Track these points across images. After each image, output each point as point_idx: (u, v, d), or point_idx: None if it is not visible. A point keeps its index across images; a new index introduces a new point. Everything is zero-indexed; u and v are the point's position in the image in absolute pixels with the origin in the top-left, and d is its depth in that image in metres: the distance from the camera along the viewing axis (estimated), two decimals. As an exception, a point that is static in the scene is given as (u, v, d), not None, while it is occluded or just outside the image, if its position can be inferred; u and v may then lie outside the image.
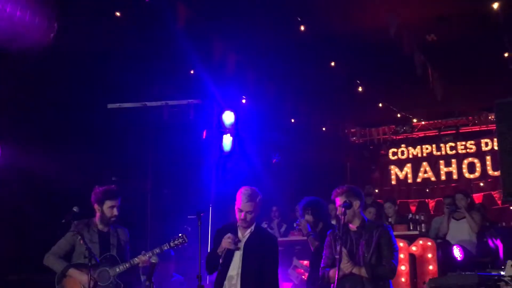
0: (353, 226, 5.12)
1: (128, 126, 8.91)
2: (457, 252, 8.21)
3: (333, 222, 9.73)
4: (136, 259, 5.65)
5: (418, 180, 13.99)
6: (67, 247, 5.70)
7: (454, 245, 8.44)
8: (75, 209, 5.42)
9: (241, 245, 5.02)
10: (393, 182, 14.26)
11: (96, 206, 5.83)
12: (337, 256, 4.86)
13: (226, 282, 4.96)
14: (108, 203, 5.78)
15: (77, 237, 5.50)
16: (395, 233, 7.75)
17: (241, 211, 5.03)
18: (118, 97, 8.93)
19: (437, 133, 13.99)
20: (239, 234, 5.09)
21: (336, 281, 4.72)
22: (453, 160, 13.65)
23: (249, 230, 5.09)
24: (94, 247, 5.63)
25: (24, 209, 7.98)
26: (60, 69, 7.99)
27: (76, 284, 5.50)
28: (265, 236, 5.14)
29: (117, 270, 5.64)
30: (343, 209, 4.95)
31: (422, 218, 8.82)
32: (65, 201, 6.09)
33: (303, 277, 8.19)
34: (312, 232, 6.06)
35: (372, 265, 4.93)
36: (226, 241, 4.93)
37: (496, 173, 12.70)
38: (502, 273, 5.29)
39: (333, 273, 4.97)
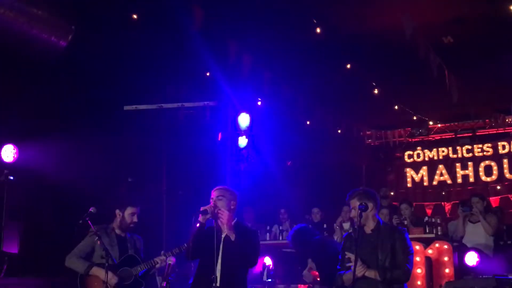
0: (368, 229, 5.11)
1: (144, 128, 8.96)
2: (471, 258, 8.13)
3: (346, 225, 9.74)
4: (156, 259, 5.75)
5: (434, 183, 13.89)
6: (87, 248, 5.81)
7: (469, 250, 8.37)
8: (92, 210, 5.49)
9: (222, 239, 5.03)
10: (409, 185, 14.18)
11: (117, 211, 5.97)
12: (350, 263, 4.85)
13: (206, 276, 4.96)
14: (129, 210, 5.97)
15: (95, 239, 5.57)
16: (411, 236, 7.74)
17: (212, 199, 5.07)
18: (134, 99, 8.97)
19: (453, 136, 13.90)
20: (221, 233, 5.08)
21: (351, 284, 4.73)
22: (470, 163, 13.55)
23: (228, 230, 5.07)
24: (114, 250, 5.78)
25: (40, 210, 8.05)
26: (77, 71, 8.06)
27: (99, 283, 5.58)
28: (244, 230, 5.11)
29: (139, 269, 5.80)
30: (359, 211, 4.94)
31: (438, 221, 8.77)
32: (82, 202, 6.15)
33: (318, 279, 8.18)
34: None
35: (386, 268, 4.91)
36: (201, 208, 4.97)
37: (514, 176, 12.61)
38: (519, 277, 5.26)
39: (346, 276, 4.98)
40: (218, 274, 4.93)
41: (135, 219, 5.98)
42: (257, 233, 5.31)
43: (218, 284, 4.87)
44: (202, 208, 4.92)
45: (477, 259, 8.11)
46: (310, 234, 6.60)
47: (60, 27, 7.13)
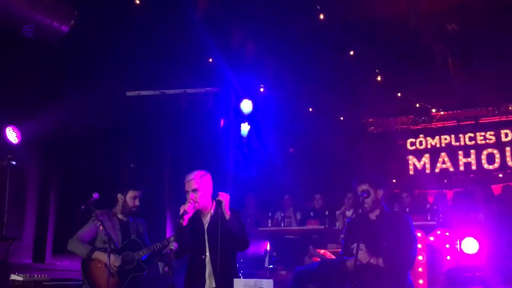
0: (372, 215, 5.10)
1: (146, 113, 8.95)
2: (469, 245, 8.13)
3: (349, 212, 9.76)
4: (159, 243, 5.76)
5: (436, 170, 13.88)
6: (90, 233, 5.84)
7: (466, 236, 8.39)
8: (94, 195, 5.50)
9: (205, 229, 5.02)
10: (411, 173, 14.17)
11: (119, 195, 5.98)
12: (353, 247, 4.86)
13: (197, 266, 5.00)
14: (131, 193, 5.96)
15: (98, 223, 5.59)
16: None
17: (187, 192, 4.99)
18: (136, 85, 8.97)
19: (456, 124, 13.86)
20: (203, 221, 5.08)
21: (353, 271, 4.74)
22: (472, 151, 13.52)
23: (209, 215, 5.07)
24: (116, 234, 5.81)
25: (43, 195, 8.07)
26: (79, 57, 8.04)
27: (102, 267, 5.61)
28: (223, 216, 4.98)
29: (141, 253, 5.82)
30: (361, 198, 4.94)
31: (440, 208, 8.79)
32: (84, 188, 6.17)
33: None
34: None
35: (391, 256, 4.91)
36: (182, 206, 4.90)
37: (516, 164, 12.60)
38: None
39: (350, 262, 4.97)
40: (208, 262, 4.95)
41: (137, 202, 5.98)
42: (240, 213, 5.23)
43: (210, 272, 4.92)
44: (181, 210, 4.85)
45: (478, 247, 8.11)
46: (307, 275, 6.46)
47: (62, 12, 7.09)
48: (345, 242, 5.23)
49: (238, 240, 5.04)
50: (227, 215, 4.92)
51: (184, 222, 4.85)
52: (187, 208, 4.84)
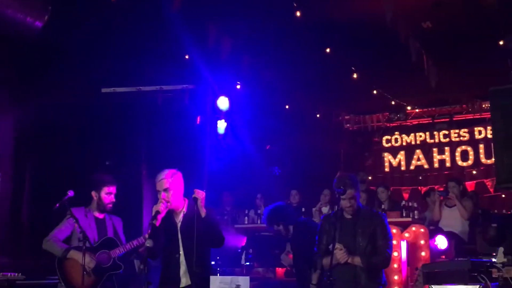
0: (347, 214, 5.13)
1: (122, 110, 8.88)
2: (441, 242, 8.26)
3: (325, 209, 9.80)
4: (135, 241, 5.73)
5: (411, 167, 14.04)
6: (65, 231, 5.79)
7: (438, 234, 8.50)
8: (69, 193, 5.45)
9: (178, 228, 5.04)
10: (386, 169, 14.31)
11: (93, 193, 5.92)
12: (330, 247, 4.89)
13: (171, 265, 5.00)
14: (106, 189, 5.91)
15: (73, 221, 5.54)
16: (388, 219, 7.81)
17: (158, 192, 4.99)
18: (112, 81, 8.88)
19: (431, 121, 14.02)
20: (175, 219, 5.08)
21: (329, 269, 4.75)
22: (447, 148, 13.70)
23: (182, 213, 5.07)
24: (92, 232, 5.78)
25: (17, 193, 7.97)
26: (54, 53, 7.94)
27: (77, 266, 5.54)
28: (198, 213, 4.99)
29: (117, 251, 5.78)
30: (337, 195, 4.97)
31: (415, 205, 8.87)
32: (59, 186, 6.10)
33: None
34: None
35: (368, 255, 4.95)
36: (154, 207, 4.90)
37: (489, 161, 12.77)
38: (494, 259, 5.33)
39: (326, 260, 4.99)
40: (182, 261, 4.96)
41: (112, 198, 5.92)
42: (213, 210, 5.25)
43: (184, 271, 4.93)
44: (153, 211, 4.83)
45: (447, 243, 8.23)
46: (290, 214, 6.39)
47: (36, 7, 7.00)
48: (319, 239, 5.25)
49: (213, 237, 5.03)
50: (203, 212, 4.91)
51: (157, 222, 4.82)
52: (160, 208, 4.82)
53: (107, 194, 5.91)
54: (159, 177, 5.02)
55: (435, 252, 8.17)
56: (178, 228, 5.05)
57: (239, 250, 8.81)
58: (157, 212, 4.81)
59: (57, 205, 5.44)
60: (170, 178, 5.01)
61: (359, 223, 5.09)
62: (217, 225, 5.11)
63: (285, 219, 6.19)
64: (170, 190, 4.97)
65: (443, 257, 8.07)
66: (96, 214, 5.95)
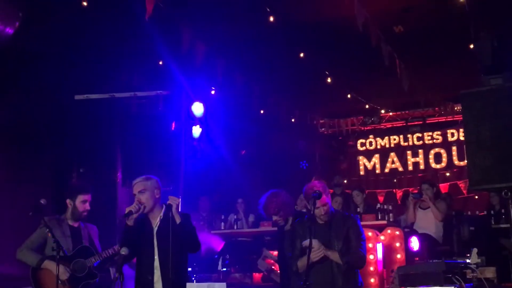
0: (320, 219, 5.16)
1: (96, 117, 8.80)
2: (414, 243, 8.36)
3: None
4: (111, 249, 5.69)
5: (386, 170, 14.16)
6: (39, 240, 5.70)
7: (412, 236, 8.60)
8: (42, 201, 5.39)
9: (154, 232, 5.01)
10: (362, 173, 14.41)
11: (68, 201, 5.86)
12: (304, 244, 4.90)
13: (146, 270, 4.97)
14: (80, 197, 5.85)
15: (47, 230, 5.47)
16: (363, 222, 7.87)
17: (135, 195, 4.99)
18: (85, 88, 8.80)
19: (404, 124, 14.16)
20: (152, 224, 5.06)
21: (305, 271, 4.76)
22: (420, 151, 13.86)
23: (158, 218, 5.04)
24: (67, 241, 5.69)
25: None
26: (26, 59, 7.85)
27: (52, 276, 5.47)
28: (173, 220, 4.98)
29: (93, 260, 5.73)
30: (313, 199, 4.98)
31: (390, 207, 8.94)
32: (32, 194, 6.03)
33: (273, 267, 8.23)
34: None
35: (343, 254, 5.00)
36: (128, 207, 4.90)
37: (462, 163, 12.94)
38: (468, 260, 5.39)
39: (301, 262, 5.01)
40: (157, 266, 4.92)
41: (87, 206, 5.87)
42: (190, 216, 5.20)
43: (158, 276, 4.89)
44: (127, 210, 4.84)
45: (419, 244, 8.33)
46: (288, 203, 5.88)
47: (6, 14, 6.91)
48: (293, 244, 5.26)
49: (188, 243, 5.03)
50: (178, 218, 4.90)
51: (130, 223, 4.83)
52: (132, 209, 4.82)
53: (82, 202, 5.85)
54: (135, 181, 5.04)
55: (409, 254, 8.25)
56: (154, 232, 5.02)
57: (216, 256, 8.78)
58: (130, 212, 4.81)
59: (30, 213, 5.37)
60: (145, 181, 5.02)
61: (333, 227, 5.13)
62: (193, 231, 5.09)
63: (283, 208, 5.73)
64: (145, 192, 4.96)
65: (417, 259, 8.15)
66: (71, 222, 5.89)
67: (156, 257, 4.95)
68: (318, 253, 4.92)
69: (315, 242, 4.90)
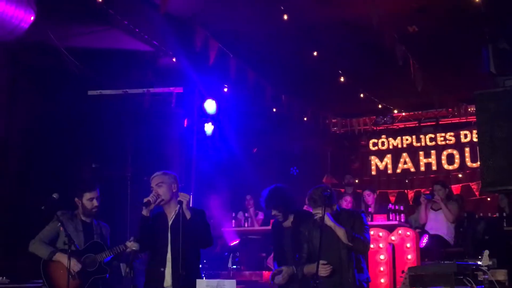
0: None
1: (108, 113, 8.84)
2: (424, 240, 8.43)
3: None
4: (122, 246, 5.71)
5: (398, 171, 14.10)
6: (52, 234, 5.76)
7: (423, 235, 8.62)
8: (54, 195, 5.41)
9: (169, 226, 5.08)
10: (373, 173, 14.35)
11: (76, 199, 5.90)
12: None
13: (159, 265, 5.02)
14: (87, 195, 5.88)
15: (59, 224, 5.52)
16: (374, 222, 7.86)
17: (152, 188, 5.07)
18: (99, 84, 8.84)
19: (417, 124, 14.10)
20: (167, 218, 5.13)
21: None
22: (433, 151, 13.78)
23: (174, 213, 5.09)
24: (79, 236, 5.74)
25: (2, 195, 7.90)
26: (40, 54, 7.89)
27: (63, 269, 5.51)
28: (193, 211, 5.03)
29: (104, 255, 5.76)
30: (325, 198, 4.99)
31: (402, 208, 8.92)
32: (45, 188, 6.06)
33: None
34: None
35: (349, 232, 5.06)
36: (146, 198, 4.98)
37: (475, 165, 12.85)
38: (479, 262, 5.36)
39: (307, 269, 5.12)
40: (169, 259, 4.97)
41: (95, 203, 5.89)
42: (205, 212, 5.29)
43: (170, 269, 4.94)
44: (145, 200, 4.92)
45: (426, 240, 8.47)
46: (290, 199, 5.78)
47: (21, 8, 6.94)
48: (297, 245, 5.29)
49: (200, 239, 5.07)
50: (188, 214, 4.93)
51: (146, 213, 4.92)
52: (150, 198, 4.93)
53: (89, 200, 5.88)
54: (154, 175, 5.16)
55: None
56: (169, 226, 5.08)
57: (226, 254, 8.80)
58: (148, 202, 4.91)
59: (42, 207, 5.40)
60: (163, 175, 5.14)
61: (339, 223, 5.15)
62: (205, 227, 5.13)
63: (284, 203, 5.62)
64: (163, 186, 5.05)
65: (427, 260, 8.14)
66: (83, 218, 5.93)
67: (169, 249, 5.01)
68: (327, 269, 4.94)
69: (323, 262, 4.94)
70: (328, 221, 5.02)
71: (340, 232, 5.05)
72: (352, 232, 5.06)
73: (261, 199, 5.80)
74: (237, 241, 9.07)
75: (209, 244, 5.22)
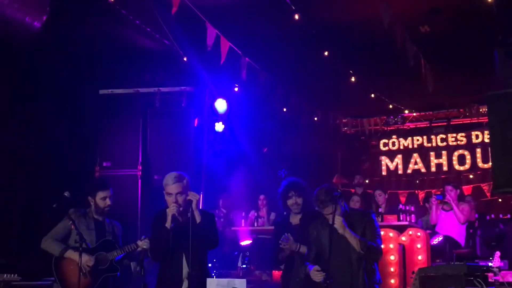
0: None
1: (119, 112, 8.87)
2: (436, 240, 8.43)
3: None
4: (133, 244, 5.73)
5: (408, 171, 14.06)
6: (64, 231, 5.80)
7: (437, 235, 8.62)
8: (66, 194, 5.47)
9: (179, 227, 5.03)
10: (384, 173, 14.33)
11: (89, 198, 5.94)
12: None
13: (174, 267, 5.02)
14: (100, 194, 5.91)
15: (70, 222, 5.55)
16: (385, 223, 7.83)
17: (170, 195, 5.00)
18: (110, 82, 8.88)
19: (428, 125, 14.06)
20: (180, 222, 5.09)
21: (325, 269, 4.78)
22: (444, 152, 13.73)
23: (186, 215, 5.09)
24: (91, 234, 5.77)
25: (15, 193, 7.95)
26: (52, 54, 7.93)
27: (74, 266, 5.55)
28: (203, 213, 5.04)
29: (115, 254, 5.79)
30: (337, 197, 4.96)
31: (412, 208, 8.89)
32: (57, 187, 6.10)
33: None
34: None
35: (362, 240, 4.99)
36: (170, 210, 4.95)
37: (486, 166, 12.80)
38: (490, 264, 5.35)
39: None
40: (183, 262, 4.97)
41: (108, 202, 5.93)
42: (214, 216, 5.33)
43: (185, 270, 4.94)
44: (171, 213, 4.89)
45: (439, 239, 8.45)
46: (307, 191, 5.78)
47: (34, 8, 6.99)
48: (310, 248, 5.25)
49: (207, 242, 5.09)
50: (198, 217, 4.94)
51: (170, 225, 4.90)
52: (175, 212, 4.90)
53: (102, 199, 5.92)
54: (172, 180, 5.02)
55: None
56: (179, 228, 5.07)
57: (236, 253, 8.81)
58: (174, 216, 4.88)
59: (54, 205, 5.44)
60: (183, 182, 5.05)
61: (349, 226, 5.08)
62: (212, 231, 5.15)
63: (307, 196, 5.62)
64: (183, 194, 5.01)
65: (438, 260, 8.11)
66: (96, 216, 5.97)
67: (184, 253, 4.99)
68: (319, 276, 4.90)
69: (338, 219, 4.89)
70: (341, 228, 4.95)
71: (354, 241, 4.98)
72: (366, 241, 4.98)
73: (279, 190, 5.87)
74: (250, 242, 9.05)
75: (215, 246, 5.22)
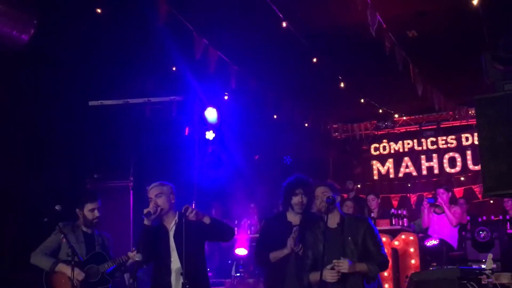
0: (333, 223, 4.96)
1: (110, 123, 8.85)
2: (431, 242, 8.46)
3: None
4: (124, 256, 5.71)
5: (400, 175, 14.10)
6: (53, 245, 5.75)
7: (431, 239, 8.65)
8: (57, 207, 5.43)
9: (170, 236, 5.04)
10: (375, 177, 14.35)
11: (77, 210, 5.92)
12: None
13: (165, 275, 4.99)
14: (88, 206, 5.90)
15: (61, 236, 5.52)
16: (378, 228, 7.82)
17: (151, 199, 5.03)
18: (99, 94, 8.87)
19: (418, 128, 14.11)
20: (167, 227, 5.10)
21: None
22: (434, 155, 13.78)
23: (173, 223, 5.07)
24: (81, 247, 5.74)
25: (2, 207, 7.91)
26: (41, 66, 7.91)
27: (66, 280, 5.52)
28: (188, 221, 4.95)
29: (106, 266, 5.76)
30: (326, 205, 4.86)
31: (404, 212, 8.91)
32: (46, 199, 6.07)
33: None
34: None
35: (369, 258, 4.83)
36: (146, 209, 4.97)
37: (477, 168, 12.85)
38: (483, 266, 5.35)
39: (314, 276, 4.86)
40: (173, 269, 4.95)
41: (96, 214, 5.91)
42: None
43: (175, 279, 4.91)
44: (145, 211, 4.90)
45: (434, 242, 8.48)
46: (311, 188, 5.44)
47: (22, 21, 6.97)
48: (307, 254, 5.09)
49: (220, 233, 5.17)
50: (208, 219, 4.98)
51: (148, 222, 4.90)
52: (150, 209, 4.90)
53: (90, 210, 5.89)
54: (152, 186, 5.11)
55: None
56: (171, 236, 5.04)
57: (229, 262, 8.79)
58: (149, 213, 4.88)
59: (45, 219, 5.41)
60: (161, 186, 5.10)
61: (345, 231, 4.92)
62: (219, 221, 5.21)
63: (308, 192, 5.30)
64: (162, 196, 5.02)
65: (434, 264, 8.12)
66: (85, 229, 5.93)
67: (172, 259, 4.98)
68: (333, 275, 4.70)
69: (344, 262, 4.72)
70: (350, 269, 4.71)
71: (363, 269, 4.79)
72: (376, 265, 4.82)
73: (284, 184, 5.57)
74: (246, 252, 8.98)
75: (232, 233, 5.25)
